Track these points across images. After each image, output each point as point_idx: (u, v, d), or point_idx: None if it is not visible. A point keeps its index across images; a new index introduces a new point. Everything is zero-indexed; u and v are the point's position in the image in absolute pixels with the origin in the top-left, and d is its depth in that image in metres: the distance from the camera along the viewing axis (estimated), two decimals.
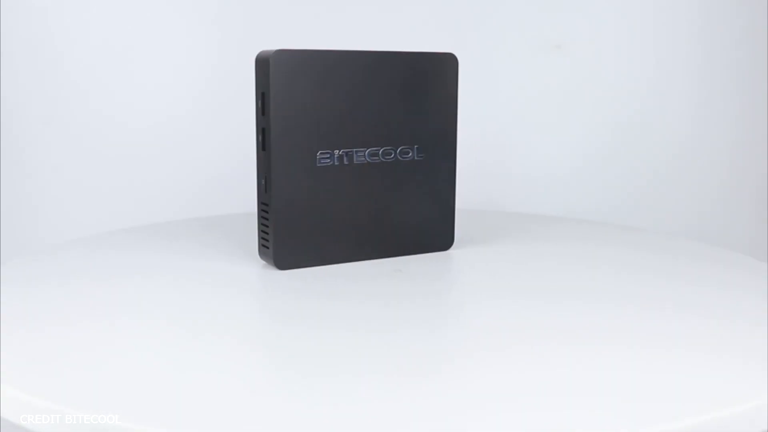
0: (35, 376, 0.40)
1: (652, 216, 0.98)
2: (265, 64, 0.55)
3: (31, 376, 0.40)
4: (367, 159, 0.59)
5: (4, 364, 0.40)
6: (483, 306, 0.51)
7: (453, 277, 0.58)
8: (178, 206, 0.93)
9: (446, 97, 0.61)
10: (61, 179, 0.95)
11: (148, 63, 0.94)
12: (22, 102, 0.93)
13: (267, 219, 0.57)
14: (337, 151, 0.57)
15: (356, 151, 0.58)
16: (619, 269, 0.60)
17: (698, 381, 0.40)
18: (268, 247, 0.57)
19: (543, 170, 0.98)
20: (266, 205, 0.57)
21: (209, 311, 0.50)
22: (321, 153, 0.57)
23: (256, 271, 0.58)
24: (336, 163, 0.57)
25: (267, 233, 0.57)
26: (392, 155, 0.60)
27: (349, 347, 0.44)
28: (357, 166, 0.58)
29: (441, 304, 0.52)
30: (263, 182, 0.57)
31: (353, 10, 0.94)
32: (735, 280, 0.58)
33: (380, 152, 0.59)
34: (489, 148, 0.98)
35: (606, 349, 0.44)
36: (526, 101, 0.97)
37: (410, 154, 0.61)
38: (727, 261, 0.64)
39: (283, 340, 0.46)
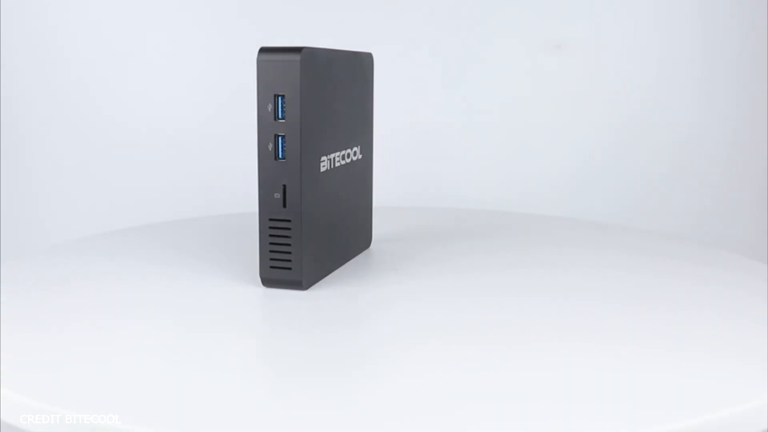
0: (35, 376, 0.40)
1: (652, 217, 0.98)
2: (289, 64, 0.50)
3: (30, 377, 0.40)
4: (340, 161, 0.58)
5: (4, 365, 0.40)
6: (480, 306, 0.51)
7: (449, 276, 0.58)
8: (180, 206, 0.93)
9: (368, 95, 0.63)
10: (61, 179, 0.95)
11: (150, 63, 0.94)
12: (22, 102, 0.93)
13: (287, 237, 0.52)
14: (331, 154, 0.56)
15: (337, 154, 0.57)
16: (619, 270, 0.60)
17: (698, 381, 0.40)
18: (288, 268, 0.52)
19: (542, 171, 0.98)
20: (285, 221, 0.52)
21: (209, 312, 0.50)
22: (323, 158, 0.55)
23: (257, 271, 0.58)
24: (329, 168, 0.56)
25: (287, 252, 0.52)
26: (349, 156, 0.59)
27: (350, 349, 0.44)
28: (336, 169, 0.57)
29: (439, 303, 0.52)
30: (279, 195, 0.52)
31: (354, 11, 0.94)
32: (735, 280, 0.58)
33: (345, 154, 0.59)
34: (488, 149, 0.98)
35: (605, 350, 0.44)
36: (526, 102, 0.97)
37: (357, 154, 0.61)
38: (727, 262, 0.64)
39: (286, 344, 0.46)
